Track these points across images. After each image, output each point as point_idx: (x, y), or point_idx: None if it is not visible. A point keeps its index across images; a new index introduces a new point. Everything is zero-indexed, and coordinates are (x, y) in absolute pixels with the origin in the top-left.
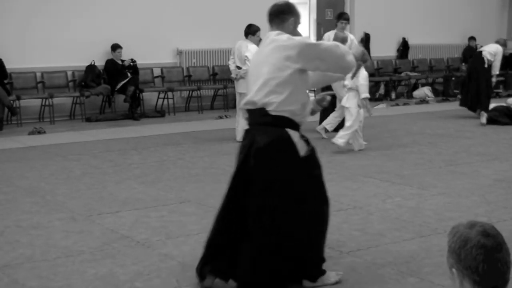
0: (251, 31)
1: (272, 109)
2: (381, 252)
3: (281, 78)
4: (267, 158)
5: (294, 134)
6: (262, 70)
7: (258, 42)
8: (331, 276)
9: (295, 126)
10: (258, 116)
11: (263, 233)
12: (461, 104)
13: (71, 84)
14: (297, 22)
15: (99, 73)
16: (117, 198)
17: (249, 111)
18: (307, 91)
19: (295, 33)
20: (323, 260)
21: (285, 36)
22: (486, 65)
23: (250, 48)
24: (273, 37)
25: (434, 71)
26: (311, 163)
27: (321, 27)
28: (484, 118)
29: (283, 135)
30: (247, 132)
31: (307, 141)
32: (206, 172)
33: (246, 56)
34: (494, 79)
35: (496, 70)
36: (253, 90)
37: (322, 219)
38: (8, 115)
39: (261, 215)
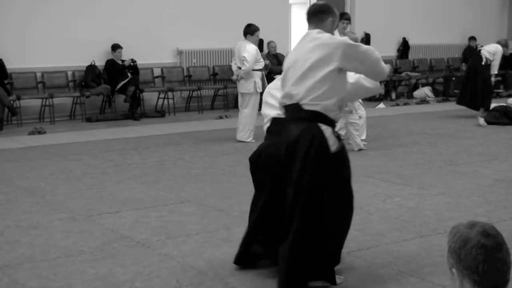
0: (249, 31)
1: (306, 103)
2: (381, 252)
3: (320, 75)
4: (297, 152)
5: (326, 129)
6: (303, 66)
7: (256, 42)
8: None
9: (329, 122)
10: (293, 112)
11: (299, 230)
12: (458, 103)
13: (71, 84)
14: (335, 22)
15: (99, 73)
16: (117, 198)
17: (285, 107)
18: (345, 91)
19: (332, 32)
20: (338, 261)
21: (327, 35)
22: (483, 63)
23: (248, 49)
24: (315, 35)
25: (435, 71)
26: (341, 161)
27: None
28: (481, 120)
29: (315, 129)
30: (283, 129)
31: (338, 138)
32: (206, 172)
33: (244, 57)
34: (493, 79)
35: (494, 70)
36: (290, 84)
37: (345, 222)
38: (8, 115)
39: (296, 212)
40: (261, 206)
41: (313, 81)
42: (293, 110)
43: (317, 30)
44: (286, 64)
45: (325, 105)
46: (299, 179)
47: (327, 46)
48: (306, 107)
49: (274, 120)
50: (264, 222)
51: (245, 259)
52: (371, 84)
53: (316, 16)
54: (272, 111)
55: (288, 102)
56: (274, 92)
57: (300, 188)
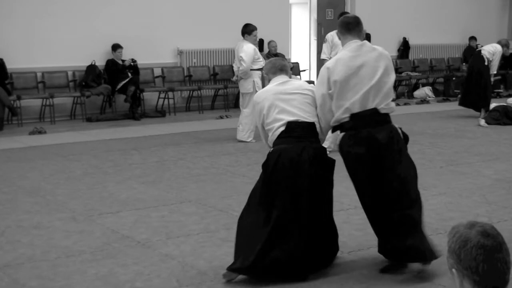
0: (247, 31)
1: (382, 108)
2: None
3: (390, 82)
4: (392, 150)
5: (398, 128)
6: (374, 74)
7: (255, 41)
8: None
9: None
10: (370, 117)
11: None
12: (460, 104)
13: (71, 84)
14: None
15: (100, 73)
16: (118, 198)
17: (358, 113)
18: None
19: None
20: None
21: (380, 47)
22: (486, 63)
23: (245, 48)
24: (372, 45)
25: (435, 71)
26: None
27: (322, 27)
28: (482, 121)
29: (394, 128)
30: (356, 135)
31: (403, 132)
32: (206, 172)
33: (241, 57)
34: (492, 78)
35: (494, 70)
36: (363, 92)
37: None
38: (8, 115)
39: (402, 198)
40: (276, 218)
41: (387, 88)
42: (370, 115)
43: (367, 42)
44: (341, 73)
45: (392, 108)
46: (396, 170)
47: (385, 57)
48: (382, 111)
49: (290, 124)
50: (281, 233)
51: (261, 267)
52: None
53: (358, 26)
54: (287, 116)
55: (361, 108)
56: (284, 97)
57: (399, 178)
